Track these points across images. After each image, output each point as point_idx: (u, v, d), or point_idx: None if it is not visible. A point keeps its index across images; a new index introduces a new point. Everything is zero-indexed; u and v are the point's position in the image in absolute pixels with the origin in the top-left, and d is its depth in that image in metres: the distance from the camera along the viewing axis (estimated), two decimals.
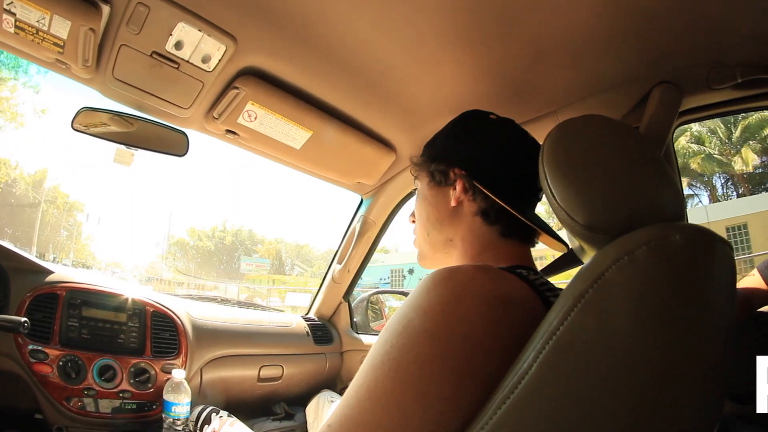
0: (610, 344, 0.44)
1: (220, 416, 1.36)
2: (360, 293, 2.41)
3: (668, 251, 0.44)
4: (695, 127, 19.94)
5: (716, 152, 19.81)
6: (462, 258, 0.81)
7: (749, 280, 1.08)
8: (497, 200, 0.76)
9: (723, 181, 21.81)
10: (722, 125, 19.65)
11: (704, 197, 21.97)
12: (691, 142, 20.28)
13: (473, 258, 0.79)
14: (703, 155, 19.74)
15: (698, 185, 22.05)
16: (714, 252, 0.46)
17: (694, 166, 20.01)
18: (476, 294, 0.53)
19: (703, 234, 0.46)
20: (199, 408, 1.40)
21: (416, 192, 0.93)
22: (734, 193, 21.35)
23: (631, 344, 0.43)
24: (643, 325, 0.44)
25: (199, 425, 1.35)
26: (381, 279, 31.15)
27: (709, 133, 20.11)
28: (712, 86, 1.03)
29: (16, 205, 30.22)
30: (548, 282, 0.67)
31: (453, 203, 0.81)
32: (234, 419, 1.36)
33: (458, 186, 0.80)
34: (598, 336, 0.44)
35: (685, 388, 0.45)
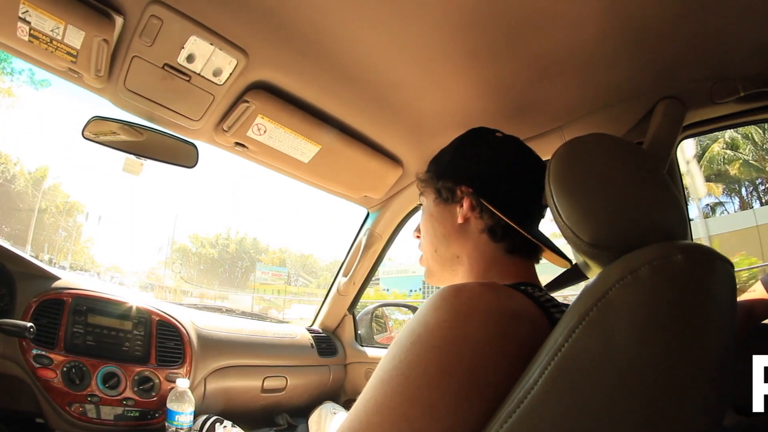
0: (614, 362, 0.44)
1: (224, 426, 1.37)
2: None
3: (670, 270, 0.45)
4: (728, 132, 19.47)
5: (750, 158, 19.36)
6: (468, 275, 0.81)
7: (751, 294, 1.07)
8: (504, 218, 0.77)
9: (750, 189, 21.34)
10: (758, 130, 19.03)
11: (732, 204, 21.47)
12: (726, 148, 19.83)
13: (480, 275, 0.79)
14: (740, 161, 19.27)
15: (731, 193, 21.55)
16: (715, 270, 0.47)
17: (733, 172, 19.45)
18: (483, 311, 0.54)
19: (703, 253, 0.47)
20: (203, 418, 1.41)
21: (422, 208, 0.94)
22: (757, 201, 20.89)
23: (634, 362, 0.44)
24: (646, 343, 0.44)
25: None
26: (411, 290, 29.47)
27: (743, 138, 19.67)
28: (715, 100, 1.03)
29: (13, 202, 29.63)
30: (553, 298, 0.67)
31: (460, 220, 0.81)
32: (237, 429, 1.36)
33: (465, 203, 0.81)
34: (602, 354, 0.45)
35: (687, 403, 0.45)
